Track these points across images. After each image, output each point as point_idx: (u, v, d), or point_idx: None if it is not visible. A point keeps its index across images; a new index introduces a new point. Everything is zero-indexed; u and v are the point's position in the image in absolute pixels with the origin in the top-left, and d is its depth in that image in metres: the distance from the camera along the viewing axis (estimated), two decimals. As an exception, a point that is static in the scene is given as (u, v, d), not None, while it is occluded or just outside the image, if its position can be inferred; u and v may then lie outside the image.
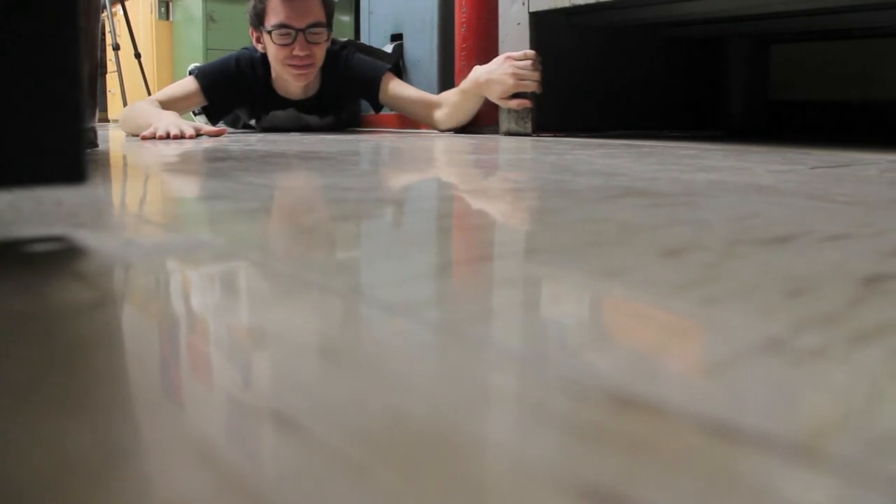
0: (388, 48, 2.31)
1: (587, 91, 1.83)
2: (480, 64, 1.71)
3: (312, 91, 1.98)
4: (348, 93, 2.03)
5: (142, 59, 3.54)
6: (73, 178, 0.33)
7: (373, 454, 0.13)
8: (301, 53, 1.84)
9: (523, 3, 1.64)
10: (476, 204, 0.52)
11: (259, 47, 1.91)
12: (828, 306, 0.23)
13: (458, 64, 1.92)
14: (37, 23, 0.32)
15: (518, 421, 0.14)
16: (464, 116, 1.80)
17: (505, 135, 1.70)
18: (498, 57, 1.65)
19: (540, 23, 1.65)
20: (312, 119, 2.04)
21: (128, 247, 0.32)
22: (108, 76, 4.25)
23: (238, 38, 3.84)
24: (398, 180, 0.68)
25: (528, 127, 1.67)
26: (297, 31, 1.82)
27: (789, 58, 2.26)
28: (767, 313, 0.22)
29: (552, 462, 0.12)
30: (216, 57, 3.87)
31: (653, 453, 0.13)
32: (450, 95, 1.80)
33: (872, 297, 0.24)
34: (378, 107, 2.01)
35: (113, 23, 3.59)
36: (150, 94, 3.61)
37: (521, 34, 1.66)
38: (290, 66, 1.85)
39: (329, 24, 1.90)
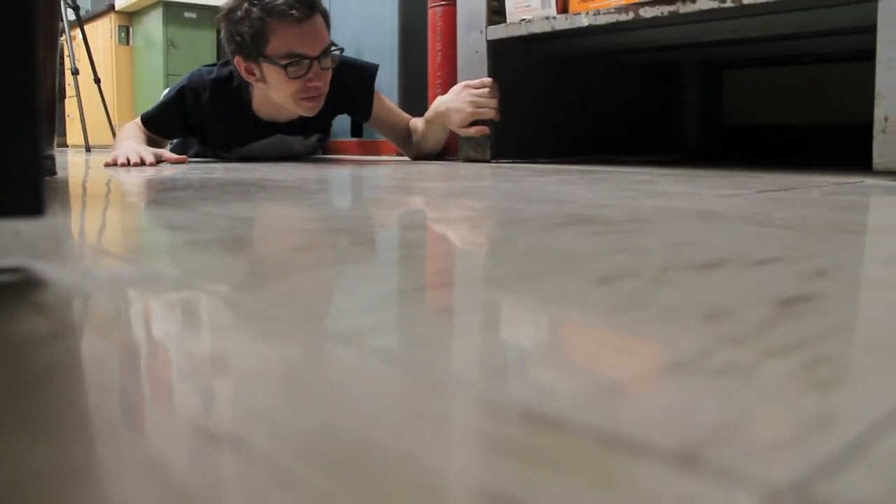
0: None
1: (545, 117, 1.87)
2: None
3: None
4: (340, 103, 1.79)
5: (101, 84, 3.53)
6: (32, 212, 0.34)
7: (309, 466, 0.14)
8: (318, 84, 1.59)
9: (481, 32, 1.67)
10: (426, 235, 0.53)
11: (251, 79, 1.62)
12: (740, 329, 0.25)
13: (431, 93, 1.94)
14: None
15: (440, 437, 0.16)
16: (430, 146, 1.80)
17: (464, 161, 1.72)
18: (456, 86, 1.68)
19: (498, 51, 1.69)
20: (296, 140, 1.82)
21: (86, 279, 0.34)
22: (67, 100, 4.22)
23: (199, 64, 3.85)
24: (354, 210, 0.69)
25: (487, 153, 1.69)
26: (312, 59, 1.56)
27: (742, 83, 2.33)
28: (682, 337, 0.24)
29: (465, 472, 0.14)
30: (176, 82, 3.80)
31: (554, 464, 0.14)
32: (417, 124, 1.80)
33: (784, 319, 0.26)
34: (367, 118, 1.82)
35: (72, 47, 3.57)
36: (109, 119, 3.60)
37: (480, 62, 1.69)
38: (303, 99, 1.60)
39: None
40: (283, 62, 1.53)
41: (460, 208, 0.71)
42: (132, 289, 0.32)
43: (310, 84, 1.57)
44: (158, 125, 1.74)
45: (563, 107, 1.92)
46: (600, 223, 0.55)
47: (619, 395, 0.18)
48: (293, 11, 1.50)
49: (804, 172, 1.29)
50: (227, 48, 1.61)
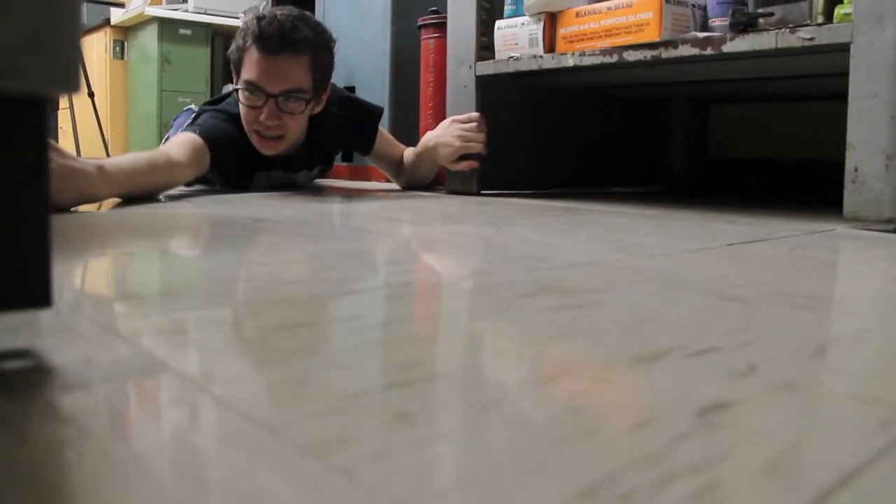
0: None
1: (533, 149, 1.91)
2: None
3: (299, 143, 1.70)
4: (344, 140, 1.84)
5: (95, 98, 3.56)
6: (41, 304, 0.37)
7: None
8: (268, 123, 1.55)
9: (470, 67, 1.72)
10: (398, 310, 0.57)
11: (238, 97, 1.61)
12: (653, 445, 0.29)
13: (423, 123, 2.00)
14: (7, 162, 0.37)
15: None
16: (419, 178, 1.87)
17: (450, 193, 1.76)
18: (444, 121, 1.73)
19: (486, 85, 1.73)
20: (300, 175, 1.81)
21: (89, 366, 0.37)
22: (59, 112, 4.25)
23: (192, 80, 3.90)
24: (334, 270, 0.73)
25: (474, 186, 1.74)
26: (268, 95, 1.54)
27: (728, 118, 2.38)
28: (599, 455, 0.28)
29: None
30: (170, 98, 3.81)
31: None
32: (408, 156, 1.87)
33: (696, 433, 0.30)
34: (367, 154, 1.87)
35: (68, 61, 3.58)
36: (102, 133, 3.63)
37: (468, 96, 1.73)
38: (255, 132, 1.58)
39: (319, 88, 1.61)
40: (239, 86, 1.56)
41: (438, 265, 0.75)
42: (132, 382, 0.36)
43: (261, 118, 1.55)
44: (220, 150, 1.55)
45: (551, 139, 1.96)
46: (566, 293, 0.59)
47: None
48: (264, 42, 1.51)
49: (779, 215, 1.33)
50: None
